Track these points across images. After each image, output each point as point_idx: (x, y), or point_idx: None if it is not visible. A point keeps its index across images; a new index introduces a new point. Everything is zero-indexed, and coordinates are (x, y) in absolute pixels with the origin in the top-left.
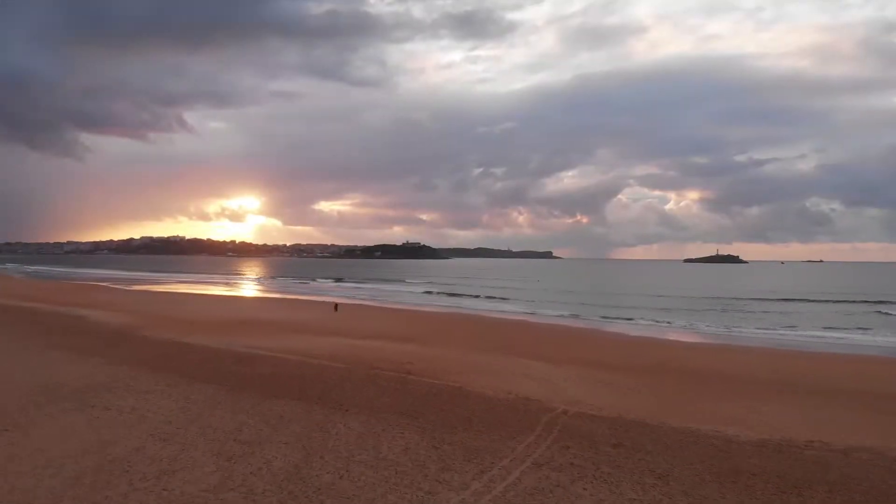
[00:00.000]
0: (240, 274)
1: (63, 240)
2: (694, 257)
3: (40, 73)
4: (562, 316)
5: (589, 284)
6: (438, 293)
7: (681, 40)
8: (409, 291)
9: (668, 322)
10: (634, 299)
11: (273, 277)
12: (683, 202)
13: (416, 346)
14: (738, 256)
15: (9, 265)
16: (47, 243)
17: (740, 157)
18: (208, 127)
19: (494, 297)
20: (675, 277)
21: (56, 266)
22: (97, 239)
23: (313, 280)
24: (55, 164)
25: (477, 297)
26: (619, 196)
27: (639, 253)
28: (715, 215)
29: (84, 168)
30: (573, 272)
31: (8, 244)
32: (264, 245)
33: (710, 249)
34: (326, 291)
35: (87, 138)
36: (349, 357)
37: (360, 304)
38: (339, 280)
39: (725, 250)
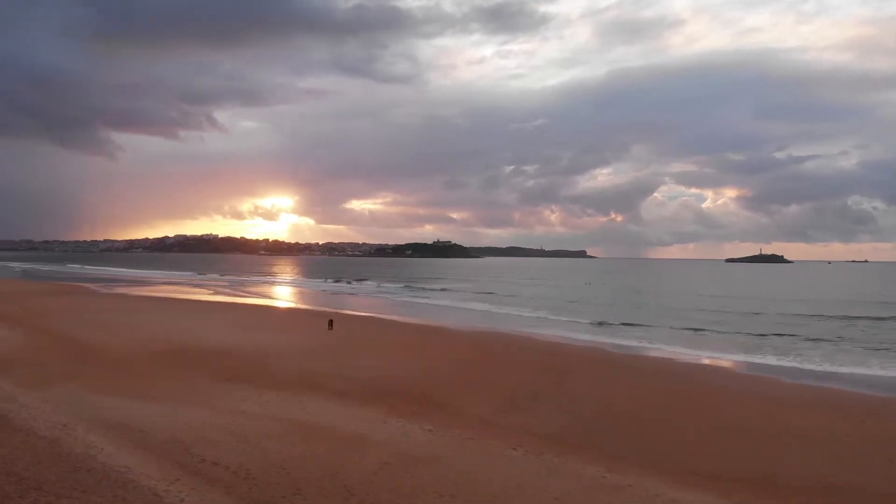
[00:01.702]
0: (258, 273)
1: (100, 238)
2: (736, 257)
3: (70, 71)
4: (652, 342)
5: (643, 288)
6: (470, 299)
7: (719, 33)
8: (434, 295)
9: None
10: (712, 312)
11: (289, 277)
12: (721, 200)
13: (429, 425)
14: (782, 256)
15: (12, 263)
16: (84, 241)
17: (780, 154)
18: (239, 125)
19: (542, 308)
20: (732, 280)
21: (72, 263)
22: (132, 237)
23: (333, 280)
24: (87, 162)
25: (518, 304)
26: (655, 194)
27: (674, 252)
28: (753, 214)
29: (117, 166)
30: (617, 272)
31: (46, 242)
32: (297, 243)
33: (748, 249)
34: (340, 291)
35: (117, 136)
36: (278, 483)
37: (368, 318)
38: (360, 280)
39: (765, 250)
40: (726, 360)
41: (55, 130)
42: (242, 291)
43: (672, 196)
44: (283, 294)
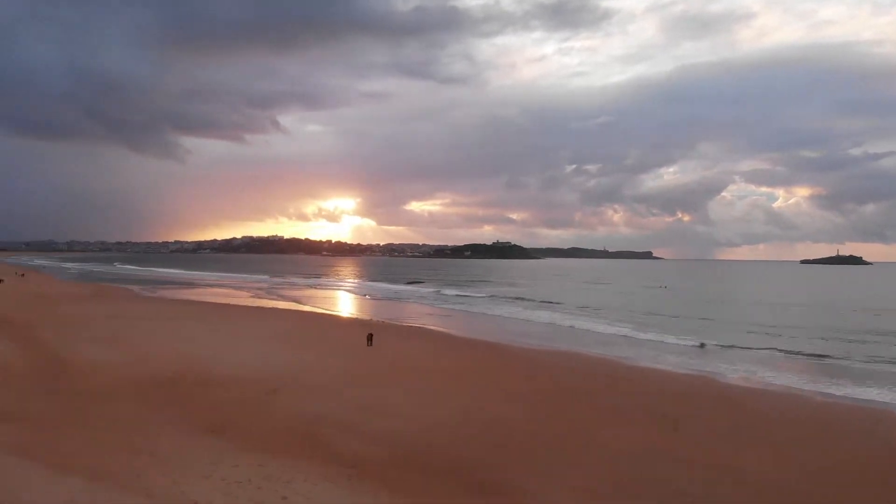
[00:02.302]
0: (312, 274)
1: (171, 239)
2: (811, 258)
3: (139, 77)
4: (774, 371)
5: (726, 295)
6: (535, 307)
7: (791, 27)
8: (492, 301)
9: None
10: (821, 328)
11: (342, 278)
12: (792, 199)
13: None
14: (860, 258)
15: (69, 265)
16: (155, 242)
17: (855, 151)
18: (302, 128)
19: (621, 320)
20: (816, 285)
21: (130, 265)
22: (201, 238)
23: (387, 282)
24: (158, 165)
25: (591, 315)
26: (723, 193)
27: (744, 253)
28: (827, 213)
29: (185, 169)
30: (690, 275)
31: (119, 243)
32: (358, 245)
33: (821, 250)
34: (393, 296)
35: (185, 140)
36: None
37: (415, 330)
38: (415, 283)
39: (841, 251)
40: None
41: (126, 135)
42: (285, 295)
43: (741, 195)
44: (328, 298)
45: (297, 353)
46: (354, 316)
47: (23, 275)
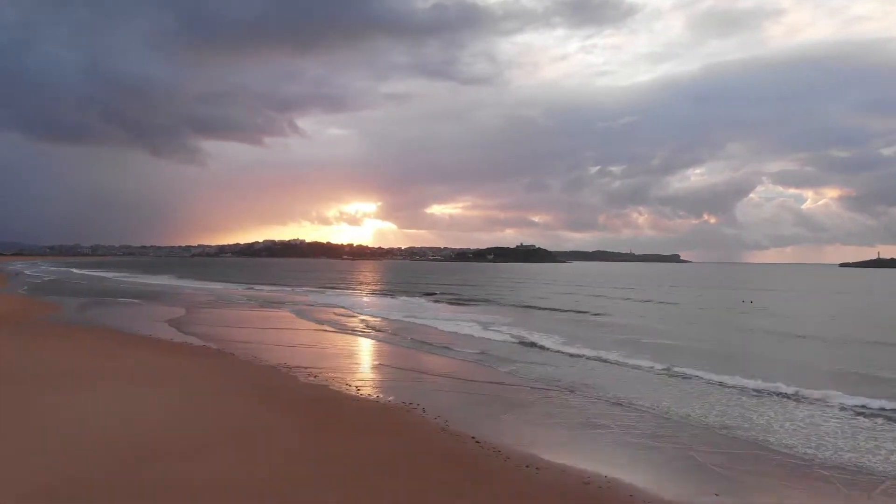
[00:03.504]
0: (322, 280)
1: (194, 243)
2: (850, 261)
3: (158, 80)
4: None
5: (812, 310)
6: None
7: (822, 23)
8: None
9: None
10: None
11: (352, 287)
12: (822, 201)
13: None
14: None
15: (74, 270)
16: (177, 246)
17: (887, 151)
18: (322, 131)
19: (677, 353)
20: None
21: (135, 273)
22: (224, 242)
23: (391, 293)
24: (179, 169)
25: (630, 340)
26: (751, 195)
27: (772, 256)
28: (857, 215)
29: (207, 173)
30: (748, 282)
31: (143, 247)
32: (380, 248)
33: (852, 253)
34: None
35: (205, 144)
36: None
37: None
38: (429, 295)
39: (870, 254)
40: None
41: (146, 139)
42: (271, 310)
43: (769, 197)
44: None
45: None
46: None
47: None
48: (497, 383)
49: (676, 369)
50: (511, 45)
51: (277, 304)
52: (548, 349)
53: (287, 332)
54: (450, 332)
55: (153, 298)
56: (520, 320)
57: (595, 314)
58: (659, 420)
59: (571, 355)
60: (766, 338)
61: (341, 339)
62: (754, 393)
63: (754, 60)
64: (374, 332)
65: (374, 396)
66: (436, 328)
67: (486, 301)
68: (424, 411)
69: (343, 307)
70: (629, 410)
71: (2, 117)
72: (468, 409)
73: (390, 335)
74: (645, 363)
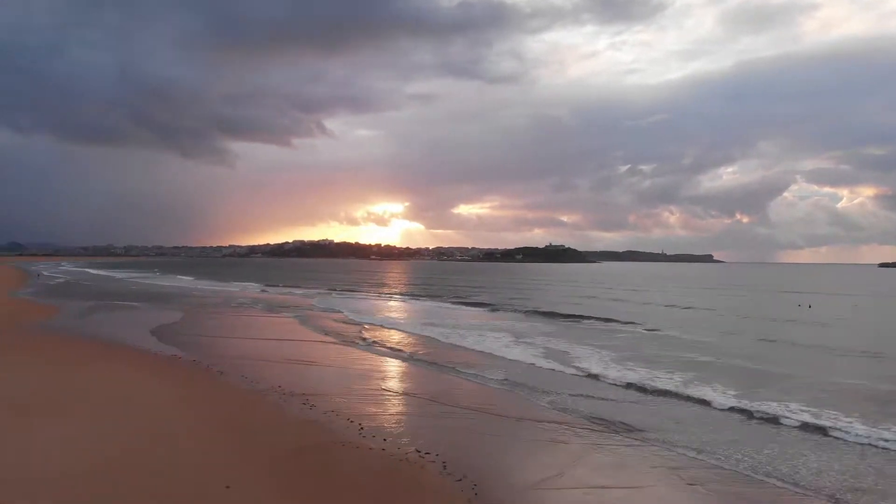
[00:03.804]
0: (337, 282)
1: (225, 244)
2: (890, 261)
3: (186, 82)
4: None
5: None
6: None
7: (857, 18)
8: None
9: None
10: None
11: (365, 289)
12: (857, 199)
13: None
14: None
15: (90, 270)
16: (209, 247)
17: None
18: (349, 132)
19: (759, 381)
20: None
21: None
22: (255, 243)
23: (415, 298)
24: (209, 171)
25: (690, 358)
26: (785, 194)
27: (806, 256)
28: (893, 214)
29: (236, 174)
30: (794, 283)
31: (175, 248)
32: (407, 248)
33: (887, 252)
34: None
35: (233, 145)
36: None
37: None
38: (455, 298)
39: None
40: None
41: (176, 140)
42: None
43: (804, 195)
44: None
45: None
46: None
47: None
48: (536, 421)
49: (761, 407)
50: (538, 43)
51: (287, 308)
52: (593, 373)
53: (290, 343)
54: (476, 347)
55: (156, 301)
56: (557, 331)
57: (640, 324)
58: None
59: (623, 383)
60: (861, 361)
61: (350, 356)
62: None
63: (788, 56)
64: (389, 348)
65: (382, 440)
66: (460, 343)
67: (517, 306)
68: (445, 467)
69: (358, 313)
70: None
71: (35, 120)
72: (501, 462)
73: (409, 351)
74: (717, 396)
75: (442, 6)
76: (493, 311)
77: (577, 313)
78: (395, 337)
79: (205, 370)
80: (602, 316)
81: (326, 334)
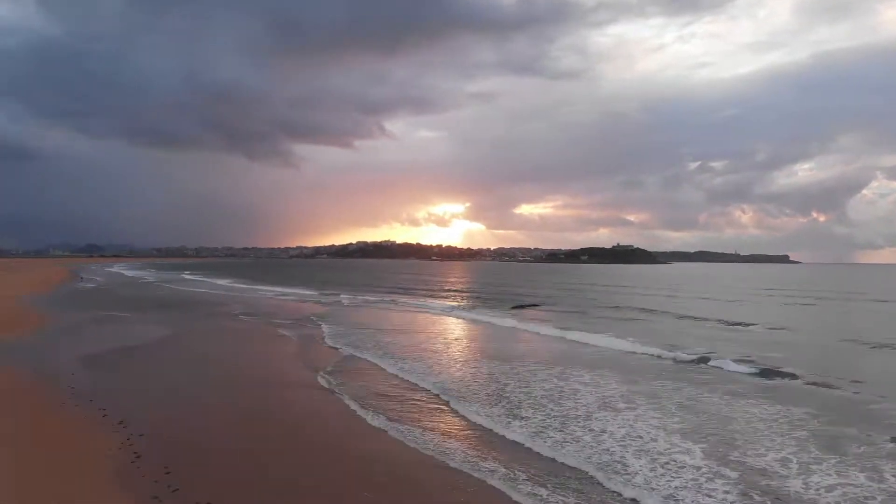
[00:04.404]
0: (396, 287)
1: (292, 245)
2: None
3: (250, 85)
4: None
5: None
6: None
7: None
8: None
9: None
10: None
11: (430, 297)
12: None
13: None
14: None
15: (125, 272)
16: (276, 248)
17: None
18: (412, 133)
19: None
20: None
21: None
22: (320, 244)
23: (469, 306)
24: (275, 173)
25: None
26: (864, 191)
27: (887, 256)
28: None
29: (301, 177)
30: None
31: (245, 249)
32: (468, 249)
33: None
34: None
35: (297, 147)
36: None
37: None
38: (517, 308)
39: None
40: None
41: (242, 143)
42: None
43: (884, 193)
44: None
45: None
46: None
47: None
48: None
49: None
50: (603, 38)
51: (309, 323)
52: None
53: (278, 389)
54: (557, 407)
55: (162, 310)
56: (663, 372)
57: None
58: None
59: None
60: None
61: (350, 424)
62: None
63: (867, 48)
64: (417, 398)
65: None
66: (528, 388)
67: (606, 324)
68: None
69: (392, 333)
70: None
71: (107, 126)
72: None
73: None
74: None
75: (503, 3)
76: (569, 321)
77: (675, 331)
78: (434, 375)
79: (117, 441)
80: (700, 331)
81: (340, 374)
